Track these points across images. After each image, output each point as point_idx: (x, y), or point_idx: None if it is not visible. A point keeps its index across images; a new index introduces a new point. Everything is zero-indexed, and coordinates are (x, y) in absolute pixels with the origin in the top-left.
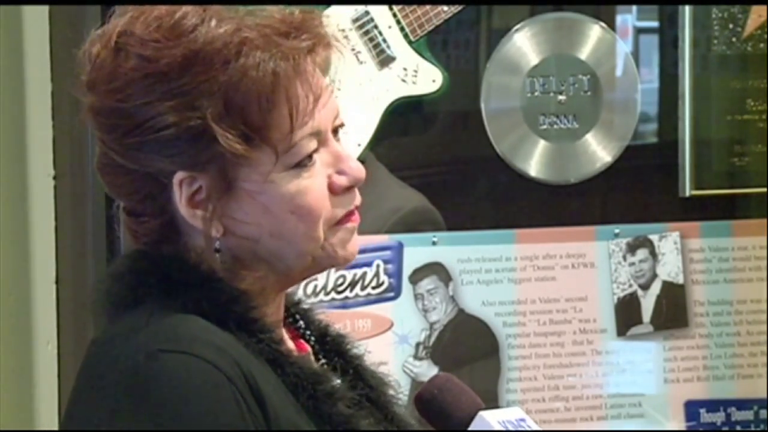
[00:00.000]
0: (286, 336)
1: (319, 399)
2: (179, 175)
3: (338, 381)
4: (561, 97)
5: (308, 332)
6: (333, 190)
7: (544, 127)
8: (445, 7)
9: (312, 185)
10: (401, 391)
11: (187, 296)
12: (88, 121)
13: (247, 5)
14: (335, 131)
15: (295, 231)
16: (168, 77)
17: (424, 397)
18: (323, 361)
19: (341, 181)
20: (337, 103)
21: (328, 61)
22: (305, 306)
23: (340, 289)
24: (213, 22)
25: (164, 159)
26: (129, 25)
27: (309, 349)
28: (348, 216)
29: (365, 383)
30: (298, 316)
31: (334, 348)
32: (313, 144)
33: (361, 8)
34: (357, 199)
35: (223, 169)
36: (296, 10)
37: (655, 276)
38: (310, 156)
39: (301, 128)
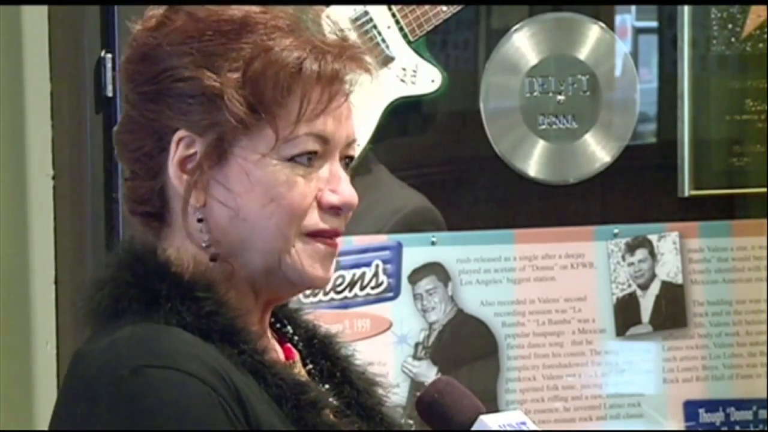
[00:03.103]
0: (275, 343)
1: (302, 408)
2: (180, 133)
3: (323, 389)
4: (560, 97)
5: (296, 337)
6: (320, 204)
7: (543, 127)
8: (444, 7)
9: (301, 184)
10: (391, 390)
11: (168, 309)
12: (121, 77)
13: (253, 5)
14: (346, 161)
15: (268, 220)
16: (201, 34)
17: (425, 401)
18: (310, 366)
19: (331, 198)
20: (355, 133)
21: (352, 77)
22: (293, 307)
23: (339, 289)
24: (259, 6)
25: (171, 113)
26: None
27: (297, 355)
28: (325, 233)
29: (352, 386)
30: (285, 321)
31: (321, 350)
32: (314, 145)
33: (360, 8)
34: (341, 226)
35: (222, 137)
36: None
37: (654, 276)
38: (309, 156)
39: (307, 124)
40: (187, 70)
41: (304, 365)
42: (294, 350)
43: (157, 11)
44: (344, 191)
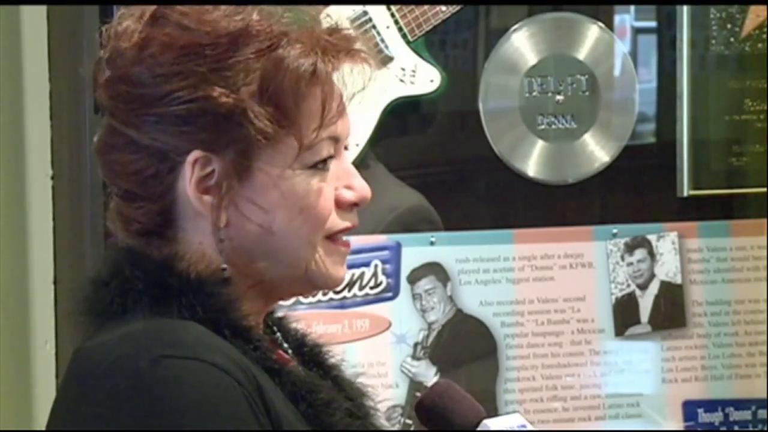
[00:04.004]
0: None
1: (317, 408)
2: (194, 154)
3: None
4: (559, 97)
5: (286, 344)
6: (339, 203)
7: (543, 127)
8: (444, 7)
9: (324, 189)
10: (379, 401)
11: (180, 303)
12: (102, 95)
13: (253, 4)
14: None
15: (298, 231)
16: (206, 49)
17: (425, 405)
18: (303, 373)
19: (349, 196)
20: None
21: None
22: (279, 315)
23: (338, 288)
24: (256, 11)
25: (183, 135)
26: (168, 5)
27: (291, 361)
28: (346, 230)
29: (345, 394)
30: (275, 327)
31: (312, 358)
32: (330, 149)
33: (359, 8)
34: (356, 219)
35: (244, 152)
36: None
37: (653, 276)
38: (325, 161)
39: (326, 128)
40: (195, 90)
41: None
42: (286, 356)
43: (129, 24)
44: (359, 186)
